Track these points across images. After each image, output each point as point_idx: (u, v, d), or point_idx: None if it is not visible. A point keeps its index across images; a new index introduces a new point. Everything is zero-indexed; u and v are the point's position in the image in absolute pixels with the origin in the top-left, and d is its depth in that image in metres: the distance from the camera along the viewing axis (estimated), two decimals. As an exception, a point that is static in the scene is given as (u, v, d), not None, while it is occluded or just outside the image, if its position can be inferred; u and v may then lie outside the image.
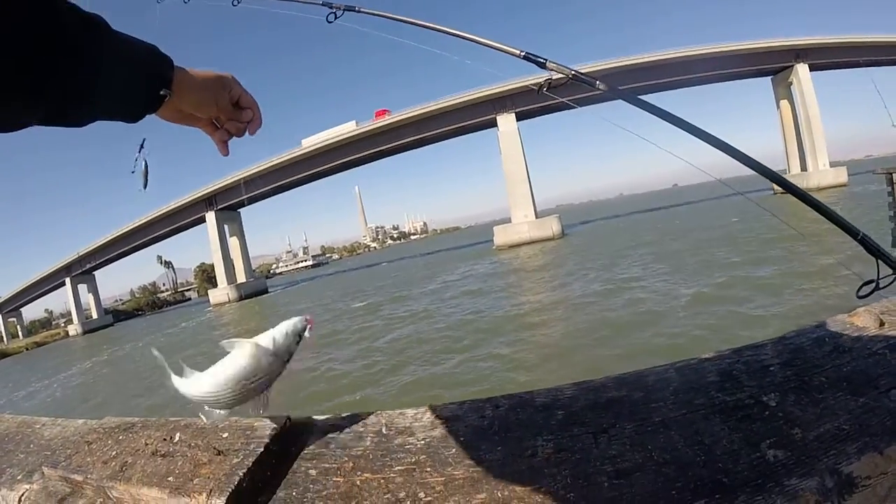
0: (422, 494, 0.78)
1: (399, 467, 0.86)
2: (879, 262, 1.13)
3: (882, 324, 1.09)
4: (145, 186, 0.90)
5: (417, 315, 16.29)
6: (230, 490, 0.88)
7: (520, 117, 51.23)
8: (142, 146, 0.82)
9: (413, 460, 0.86)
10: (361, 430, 1.02)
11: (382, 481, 0.83)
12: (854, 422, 0.76)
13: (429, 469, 0.83)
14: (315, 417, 1.13)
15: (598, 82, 1.32)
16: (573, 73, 1.32)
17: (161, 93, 0.71)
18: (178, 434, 1.15)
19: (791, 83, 54.81)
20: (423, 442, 0.88)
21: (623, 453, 0.73)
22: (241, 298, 55.33)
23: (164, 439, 1.14)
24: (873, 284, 1.11)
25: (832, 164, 52.95)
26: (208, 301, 59.41)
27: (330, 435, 1.04)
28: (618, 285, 14.55)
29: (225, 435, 1.07)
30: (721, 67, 52.88)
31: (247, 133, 0.87)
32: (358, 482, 0.85)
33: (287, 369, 1.00)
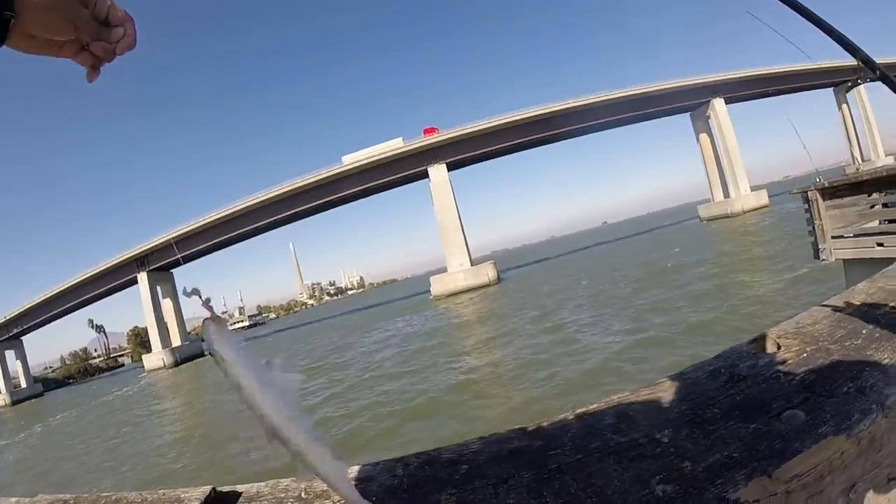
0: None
1: (314, 531, 0.86)
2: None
3: (778, 347, 1.17)
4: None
5: (351, 381, 15.87)
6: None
7: (451, 167, 52.47)
8: None
9: (327, 524, 0.86)
10: (283, 496, 1.03)
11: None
12: (744, 449, 0.81)
13: (342, 531, 0.83)
14: (239, 487, 1.13)
15: None
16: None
17: (4, 15, 0.59)
18: (107, 510, 1.12)
19: (709, 117, 58.57)
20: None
21: (520, 502, 0.75)
22: (176, 363, 53.69)
23: (95, 515, 1.12)
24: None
25: (753, 188, 56.61)
26: (142, 366, 57.20)
27: (253, 503, 1.04)
28: (557, 338, 14.48)
29: (151, 509, 1.06)
30: (647, 107, 56.16)
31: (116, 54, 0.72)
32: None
33: None
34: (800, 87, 65.26)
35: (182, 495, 1.07)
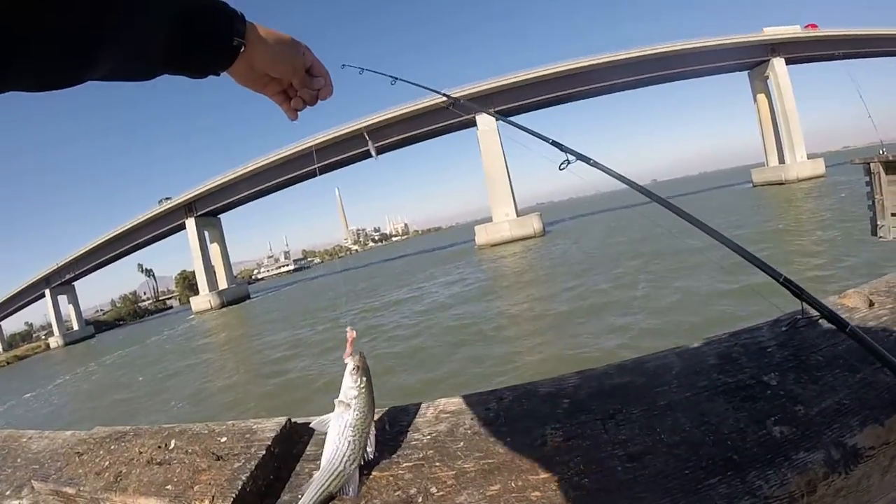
0: (433, 489, 0.77)
1: (407, 464, 0.85)
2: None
3: (871, 304, 1.11)
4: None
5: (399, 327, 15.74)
6: (234, 496, 0.86)
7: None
8: None
9: (421, 456, 0.85)
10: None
11: (391, 479, 0.82)
12: (853, 397, 0.78)
13: (438, 464, 0.82)
14: (314, 419, 1.11)
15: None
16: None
17: (234, 43, 0.69)
18: (173, 441, 1.12)
19: (767, 77, 55.58)
20: (429, 437, 0.87)
21: (632, 437, 0.74)
22: (223, 305, 54.97)
23: (159, 447, 1.12)
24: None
25: (810, 156, 53.84)
26: (190, 309, 59.00)
27: (331, 434, 1.03)
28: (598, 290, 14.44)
29: (223, 439, 1.04)
30: (699, 63, 53.69)
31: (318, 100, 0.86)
32: (366, 481, 0.84)
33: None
34: (870, 52, 61.34)
35: (254, 426, 1.06)
